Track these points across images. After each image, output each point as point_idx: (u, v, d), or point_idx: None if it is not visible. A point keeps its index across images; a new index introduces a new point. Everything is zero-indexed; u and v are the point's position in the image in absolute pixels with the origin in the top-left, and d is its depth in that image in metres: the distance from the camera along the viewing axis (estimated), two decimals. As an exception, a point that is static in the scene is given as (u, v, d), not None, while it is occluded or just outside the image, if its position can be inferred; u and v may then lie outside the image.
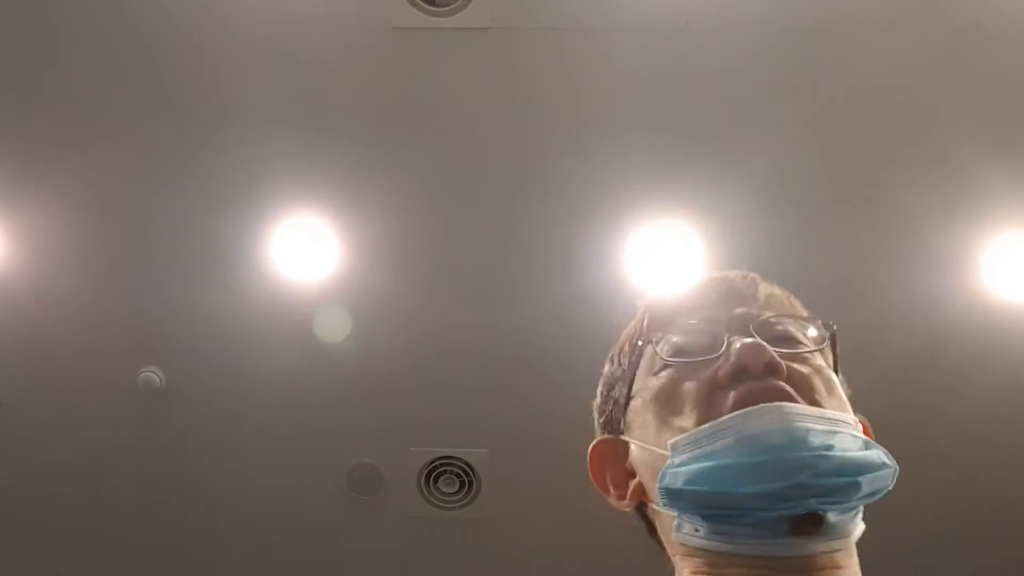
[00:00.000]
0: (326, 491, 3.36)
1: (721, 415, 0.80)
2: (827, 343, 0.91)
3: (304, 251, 2.92)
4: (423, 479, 3.35)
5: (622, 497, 0.90)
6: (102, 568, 3.57)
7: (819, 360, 0.89)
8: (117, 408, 3.23)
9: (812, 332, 0.91)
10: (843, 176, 2.79)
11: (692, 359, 0.86)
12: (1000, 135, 2.70)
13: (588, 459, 0.94)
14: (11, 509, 3.49)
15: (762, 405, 0.78)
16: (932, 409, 3.04)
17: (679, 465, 0.80)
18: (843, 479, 0.76)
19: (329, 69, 2.72)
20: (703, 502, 0.78)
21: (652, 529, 0.90)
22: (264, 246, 2.93)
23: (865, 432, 0.88)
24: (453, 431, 3.24)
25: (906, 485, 3.13)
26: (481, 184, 2.86)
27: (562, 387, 3.15)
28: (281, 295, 2.99)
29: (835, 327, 0.92)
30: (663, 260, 2.86)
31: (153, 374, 3.17)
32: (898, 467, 0.81)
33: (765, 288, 0.95)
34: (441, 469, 3.33)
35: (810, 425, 0.77)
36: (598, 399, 0.98)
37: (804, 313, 0.95)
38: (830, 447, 0.77)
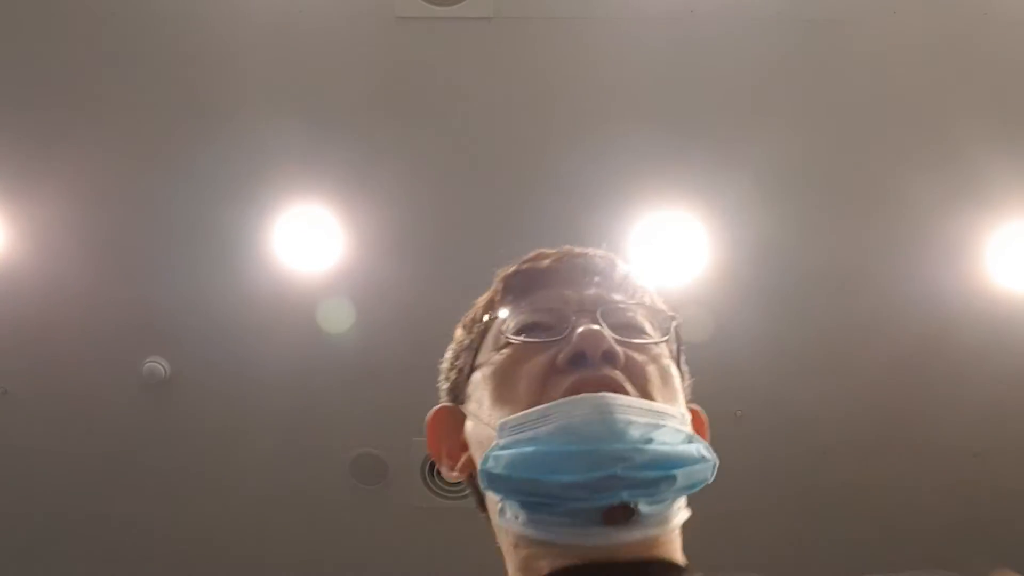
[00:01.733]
0: (330, 480, 3.36)
1: (552, 400, 0.81)
2: (670, 334, 0.90)
3: (308, 241, 2.92)
4: (426, 469, 3.35)
5: (452, 468, 0.91)
6: (107, 557, 3.58)
7: (659, 349, 0.88)
8: (121, 398, 3.23)
9: (660, 320, 0.91)
10: (848, 166, 2.78)
11: (534, 339, 0.87)
12: (1005, 126, 2.69)
13: (426, 424, 0.95)
14: (15, 499, 3.49)
15: (585, 395, 0.79)
16: (936, 398, 3.04)
17: (502, 448, 0.80)
18: (657, 472, 0.77)
19: (333, 59, 2.71)
20: (520, 488, 0.79)
21: (481, 503, 0.91)
22: (268, 236, 2.93)
23: (696, 423, 0.89)
24: (457, 421, 3.24)
25: (908, 478, 3.13)
26: (485, 173, 2.86)
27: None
28: (285, 285, 2.99)
29: (678, 319, 0.91)
30: (668, 249, 2.86)
31: (157, 364, 3.17)
32: (717, 460, 0.81)
33: (622, 268, 0.95)
34: (445, 459, 3.33)
35: (632, 417, 0.78)
36: (445, 363, 0.99)
37: (656, 299, 0.94)
38: (648, 440, 0.77)
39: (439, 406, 0.96)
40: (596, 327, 0.84)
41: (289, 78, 2.74)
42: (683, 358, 0.92)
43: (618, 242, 2.88)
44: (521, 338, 0.87)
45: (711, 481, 0.81)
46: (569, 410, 0.79)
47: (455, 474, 0.91)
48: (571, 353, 0.82)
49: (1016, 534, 3.29)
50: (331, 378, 3.15)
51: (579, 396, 0.79)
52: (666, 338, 0.90)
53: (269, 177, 2.86)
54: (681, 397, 0.88)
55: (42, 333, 3.14)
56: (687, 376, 0.92)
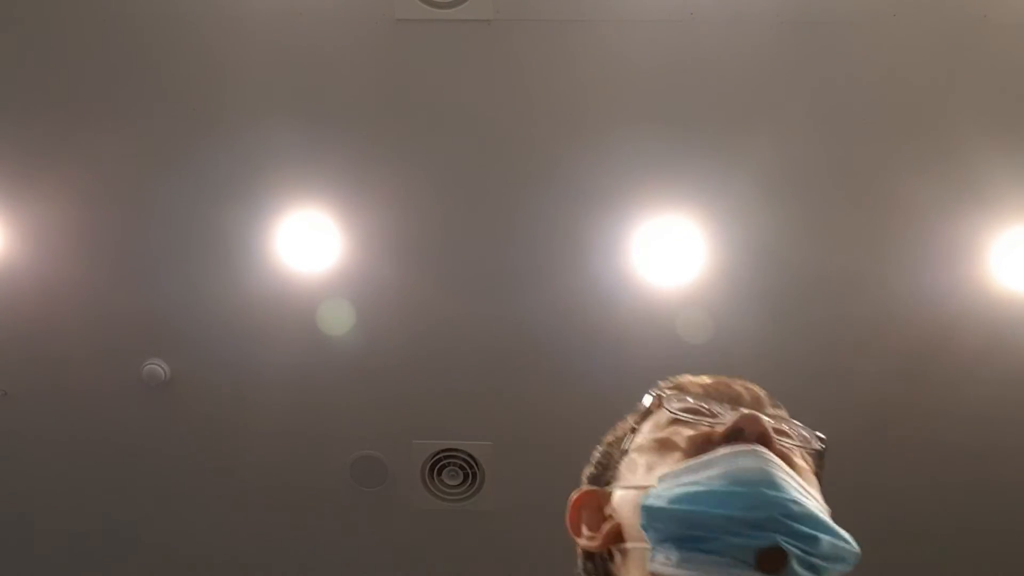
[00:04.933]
0: (330, 483, 3.36)
1: None
2: (817, 454, 0.96)
3: (308, 243, 2.92)
4: (427, 471, 3.35)
5: (593, 538, 0.93)
6: (105, 559, 3.58)
7: (806, 462, 0.93)
8: (122, 400, 3.23)
9: (810, 440, 0.96)
10: (849, 168, 2.78)
11: (696, 418, 0.92)
12: (1006, 128, 2.69)
13: (568, 506, 0.98)
14: (14, 500, 3.49)
15: (749, 447, 0.84)
16: (938, 401, 3.04)
17: (663, 490, 0.84)
18: (809, 529, 0.80)
19: (333, 62, 2.71)
20: (680, 518, 0.81)
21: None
22: (267, 238, 2.93)
23: None
24: (457, 424, 3.24)
25: (911, 477, 3.13)
26: (484, 176, 2.86)
27: (566, 380, 3.16)
28: (285, 287, 2.99)
29: (825, 446, 0.97)
30: (668, 252, 2.86)
31: (157, 366, 3.17)
32: (860, 553, 0.84)
33: (763, 394, 1.00)
34: (445, 461, 3.33)
35: (788, 479, 0.83)
36: (592, 462, 1.02)
37: (803, 428, 0.99)
38: (802, 501, 0.82)
39: (584, 488, 0.99)
40: (755, 411, 0.88)
41: (288, 80, 2.74)
42: (822, 478, 0.95)
43: (618, 243, 2.88)
44: (684, 415, 0.92)
45: (848, 572, 0.84)
46: (732, 459, 0.84)
47: (595, 543, 0.93)
48: (730, 428, 0.87)
49: (1017, 535, 3.29)
50: (331, 380, 3.15)
51: (742, 447, 0.84)
52: (815, 447, 0.95)
53: (268, 179, 2.86)
54: (823, 503, 0.91)
55: (42, 335, 3.14)
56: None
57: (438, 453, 3.32)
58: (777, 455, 0.85)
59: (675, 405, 0.94)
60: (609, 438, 1.01)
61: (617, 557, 0.90)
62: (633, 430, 0.97)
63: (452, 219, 2.92)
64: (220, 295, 3.02)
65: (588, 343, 2.98)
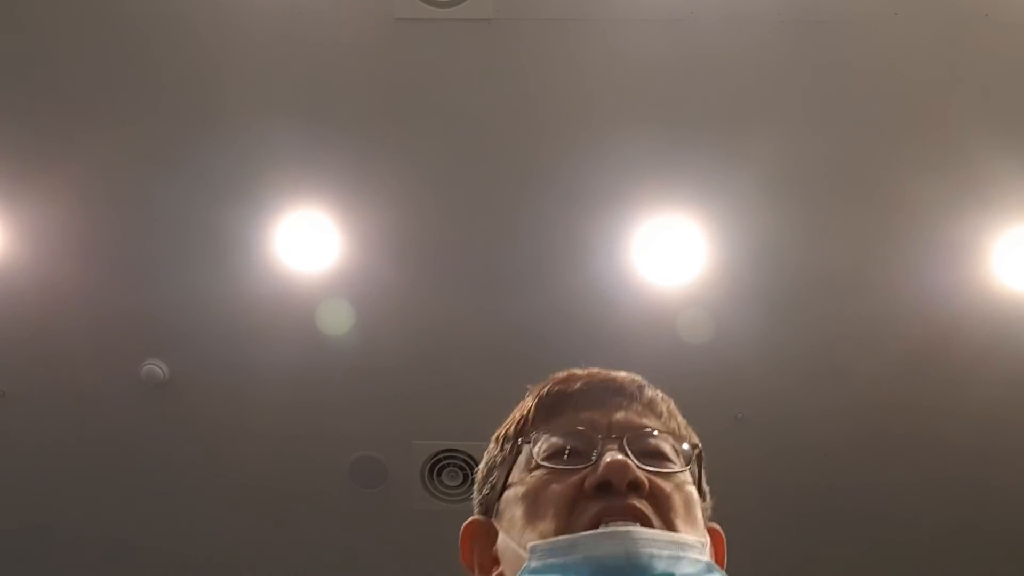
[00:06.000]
0: (329, 484, 3.35)
1: (579, 529, 0.86)
2: (693, 462, 0.95)
3: (307, 244, 2.91)
4: (426, 472, 3.34)
5: None
6: (104, 560, 3.57)
7: (682, 476, 0.93)
8: (120, 400, 3.23)
9: (684, 447, 0.96)
10: (850, 167, 2.78)
11: (563, 466, 0.91)
12: (1008, 127, 2.68)
13: (460, 535, 1.01)
14: (13, 500, 3.49)
15: (612, 528, 0.84)
16: (940, 400, 3.04)
17: (532, 572, 0.85)
18: None
19: (332, 61, 2.71)
20: None
21: None
22: (267, 239, 2.92)
23: (716, 542, 0.95)
24: (456, 424, 3.23)
25: (912, 477, 3.13)
26: (484, 176, 2.85)
27: (566, 380, 3.14)
28: (284, 288, 2.99)
29: (700, 446, 0.97)
30: (669, 251, 2.85)
31: (156, 367, 3.16)
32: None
33: (649, 392, 1.00)
34: (444, 462, 3.32)
35: (654, 551, 0.83)
36: (479, 474, 1.04)
37: (681, 423, 1.00)
38: (670, 574, 0.82)
39: (472, 519, 1.01)
40: (622, 457, 0.89)
41: (288, 79, 2.74)
42: (704, 479, 0.96)
43: (618, 243, 2.87)
44: (551, 464, 0.92)
45: None
46: (596, 543, 0.84)
47: None
48: (598, 481, 0.87)
49: (1017, 535, 3.29)
50: (331, 380, 3.14)
51: (606, 530, 0.84)
52: (689, 467, 0.94)
53: (268, 178, 2.86)
54: (701, 523, 0.92)
55: (41, 335, 3.13)
56: (708, 496, 0.97)
57: (438, 454, 3.31)
58: (649, 500, 0.87)
59: (542, 451, 0.94)
60: (488, 459, 1.03)
61: None
62: (505, 459, 0.98)
63: (452, 219, 2.91)
64: (219, 295, 3.02)
65: (588, 343, 2.97)
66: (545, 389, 1.03)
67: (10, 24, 2.69)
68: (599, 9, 2.60)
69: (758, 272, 2.90)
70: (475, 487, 1.04)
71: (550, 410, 0.99)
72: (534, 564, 0.85)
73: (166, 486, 3.39)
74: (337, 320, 3.03)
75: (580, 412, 0.96)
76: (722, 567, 0.95)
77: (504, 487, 0.97)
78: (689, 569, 0.83)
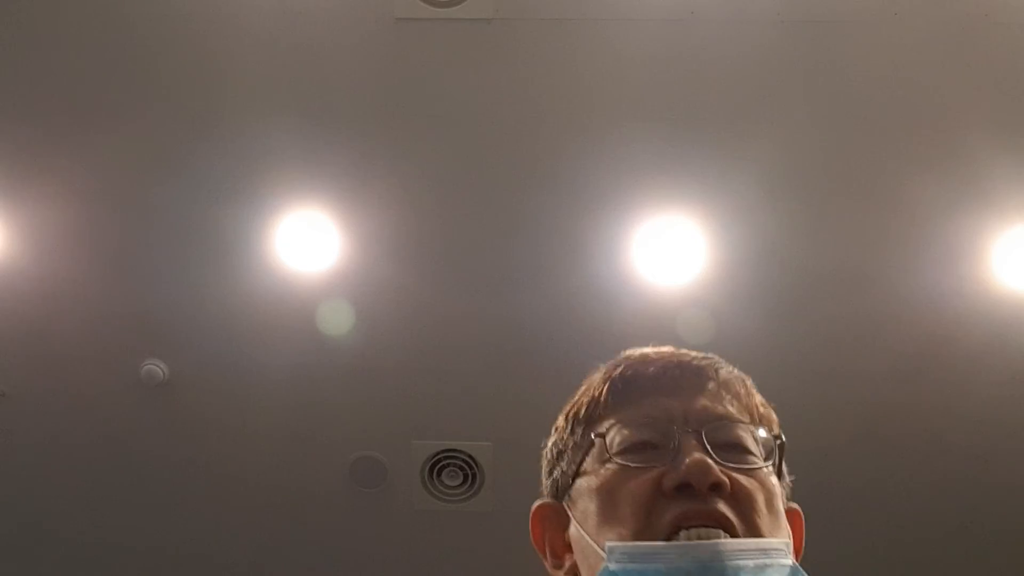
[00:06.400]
0: (329, 484, 3.35)
1: (659, 532, 0.83)
2: (775, 452, 0.93)
3: (307, 243, 2.91)
4: (426, 472, 3.34)
5: (558, 567, 0.93)
6: (103, 561, 3.57)
7: (764, 471, 0.90)
8: (120, 401, 3.23)
9: (762, 434, 0.93)
10: (850, 167, 2.78)
11: (639, 464, 0.88)
12: (1008, 127, 2.68)
13: (531, 517, 0.97)
14: (12, 501, 3.49)
15: (697, 542, 0.82)
16: (940, 400, 3.03)
17: (612, 574, 0.83)
18: None
19: (332, 61, 2.71)
20: None
21: None
22: (267, 238, 2.92)
23: (796, 529, 0.93)
24: (456, 424, 3.23)
25: (913, 477, 3.13)
26: (485, 176, 2.85)
27: (566, 379, 3.14)
28: (284, 288, 2.98)
29: (783, 438, 0.94)
30: (669, 251, 2.85)
31: (156, 367, 3.16)
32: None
33: (724, 373, 0.97)
34: (445, 462, 3.32)
35: (739, 562, 0.81)
36: (548, 455, 1.01)
37: (759, 402, 0.97)
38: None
39: (544, 501, 0.98)
40: (701, 455, 0.85)
41: (287, 80, 2.74)
42: (784, 466, 0.94)
43: (618, 243, 2.87)
44: (625, 460, 0.89)
45: None
46: (680, 554, 0.81)
47: (560, 573, 0.94)
48: (678, 483, 0.84)
49: (1017, 535, 3.28)
50: (331, 381, 3.14)
51: (690, 544, 0.82)
52: (770, 462, 0.92)
53: (268, 179, 2.86)
54: (784, 517, 0.90)
55: (40, 335, 3.13)
56: (786, 477, 0.95)
57: (438, 454, 3.31)
58: (731, 500, 0.84)
59: (616, 444, 0.90)
60: (558, 439, 0.99)
61: None
62: (577, 444, 0.95)
63: (452, 218, 2.91)
64: (219, 295, 3.02)
65: (588, 343, 2.97)
66: (618, 371, 0.97)
67: (10, 24, 2.69)
68: (599, 9, 2.60)
69: (758, 272, 2.90)
70: (544, 468, 1.01)
71: (623, 395, 0.94)
72: (613, 567, 0.82)
73: (166, 486, 3.39)
74: (337, 320, 3.03)
75: (655, 398, 0.92)
76: (800, 548, 0.93)
77: (577, 474, 0.93)
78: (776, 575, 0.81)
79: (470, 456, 3.29)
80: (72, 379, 3.20)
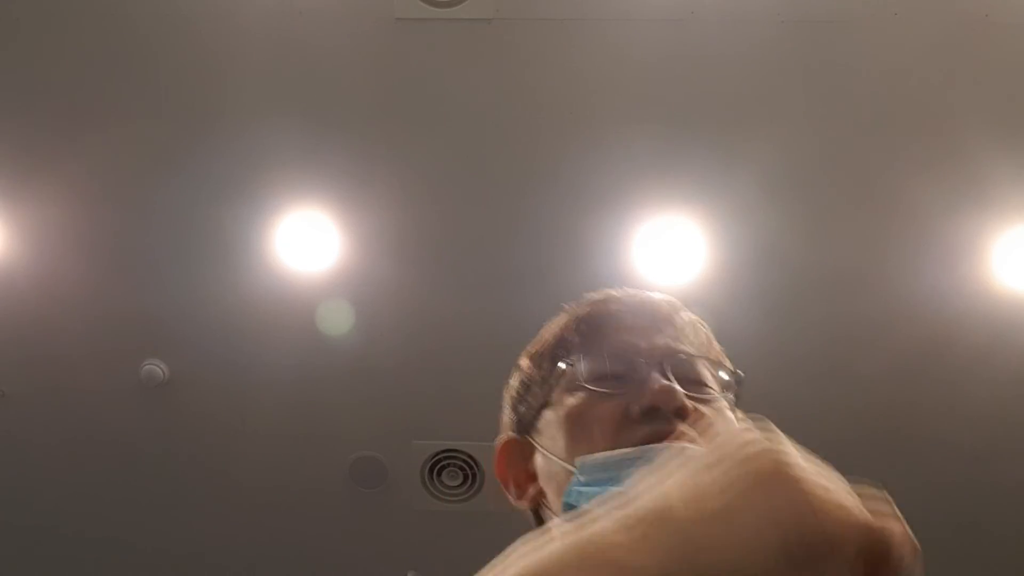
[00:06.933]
0: (329, 484, 3.35)
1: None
2: (732, 388, 0.97)
3: (307, 243, 2.91)
4: (426, 472, 3.34)
5: (521, 497, 0.96)
6: (104, 561, 3.57)
7: (721, 403, 0.94)
8: (120, 400, 3.23)
9: (721, 374, 0.97)
10: (850, 167, 2.78)
11: (607, 390, 0.91)
12: (1008, 127, 2.68)
13: (496, 452, 1.00)
14: (12, 501, 3.49)
15: (668, 443, 0.84)
16: (940, 400, 3.03)
17: (584, 484, 0.85)
18: None
19: (332, 61, 2.70)
20: None
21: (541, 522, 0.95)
22: (267, 238, 2.92)
23: None
24: (456, 424, 3.23)
25: (912, 477, 3.12)
26: (485, 176, 2.85)
27: (566, 380, 3.15)
28: (284, 288, 2.98)
29: (742, 374, 0.98)
30: (669, 251, 2.85)
31: (156, 367, 3.16)
32: None
33: (685, 315, 1.01)
34: (445, 462, 3.32)
35: None
36: (513, 392, 1.03)
37: (717, 348, 1.02)
38: None
39: (509, 437, 1.01)
40: (668, 383, 0.89)
41: (288, 80, 2.74)
42: (738, 403, 0.97)
43: (618, 243, 2.87)
44: (594, 386, 0.92)
45: None
46: (651, 456, 0.83)
47: (523, 503, 0.96)
48: (646, 406, 0.88)
49: (1017, 535, 3.28)
50: (330, 381, 3.14)
51: (661, 444, 0.84)
52: (726, 393, 0.95)
53: (268, 179, 2.85)
54: None
55: (40, 335, 3.13)
56: (744, 419, 0.98)
57: (438, 454, 3.31)
58: (693, 426, 0.86)
59: (584, 372, 0.93)
60: (523, 377, 1.02)
61: (547, 515, 0.93)
62: (545, 379, 0.97)
63: (452, 218, 2.91)
64: (219, 295, 3.02)
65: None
66: (583, 310, 1.01)
67: (10, 24, 2.69)
68: (599, 9, 2.60)
69: (758, 272, 2.90)
70: (507, 405, 1.03)
71: (588, 332, 0.97)
72: (584, 478, 0.85)
73: (166, 486, 3.39)
74: (337, 320, 3.03)
75: (620, 335, 0.96)
76: None
77: (544, 406, 0.96)
78: None
79: (470, 456, 3.29)
80: (72, 379, 3.20)
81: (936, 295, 2.87)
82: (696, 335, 0.99)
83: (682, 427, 0.86)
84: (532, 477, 0.95)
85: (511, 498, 0.98)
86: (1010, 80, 2.64)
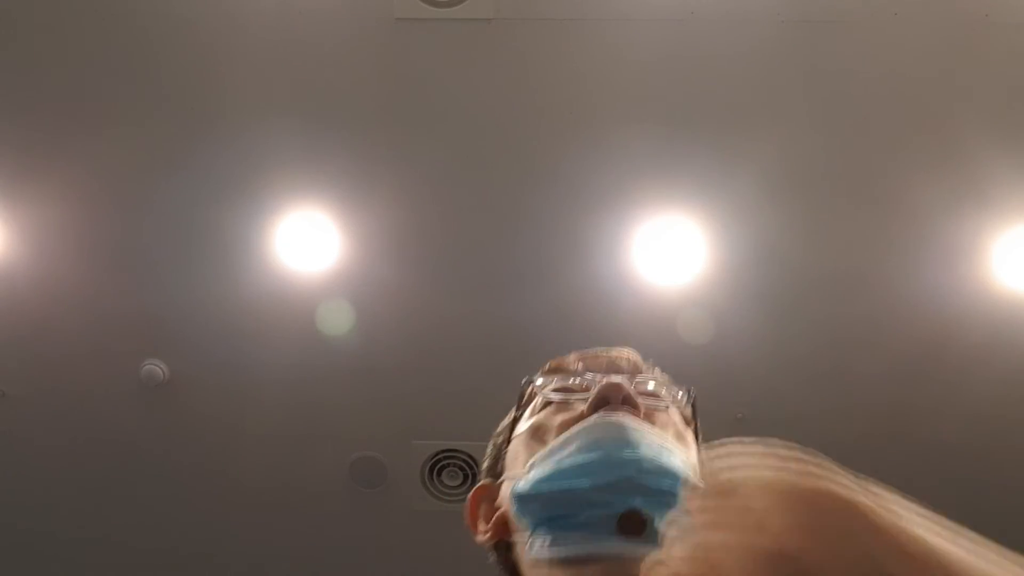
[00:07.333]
0: (329, 484, 3.35)
1: None
2: (688, 405, 0.97)
3: (307, 243, 2.91)
4: (426, 472, 3.34)
5: (486, 532, 0.96)
6: (104, 561, 3.57)
7: (674, 416, 0.94)
8: (120, 401, 3.23)
9: (680, 396, 0.98)
10: (850, 167, 2.78)
11: (564, 398, 0.94)
12: (1008, 128, 2.68)
13: (467, 502, 1.01)
14: (12, 501, 3.49)
15: (606, 416, 0.86)
16: (940, 400, 3.03)
17: (531, 475, 0.86)
18: (667, 480, 0.80)
19: (333, 61, 2.70)
20: (544, 500, 0.83)
21: (510, 569, 0.94)
22: (267, 239, 2.92)
23: None
24: (456, 424, 3.23)
25: (912, 477, 3.13)
26: (485, 176, 2.85)
27: (566, 380, 3.15)
28: (284, 288, 2.98)
29: (695, 395, 0.99)
30: (669, 251, 2.85)
31: (156, 367, 3.16)
32: None
33: (644, 364, 1.02)
34: (444, 462, 3.32)
35: (645, 438, 0.83)
36: (487, 454, 1.05)
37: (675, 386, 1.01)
38: (659, 455, 0.82)
39: (477, 485, 1.02)
40: (616, 379, 0.91)
41: (287, 80, 2.74)
42: (699, 427, 0.97)
43: (618, 243, 2.87)
44: (552, 395, 0.95)
45: None
46: (589, 430, 0.85)
47: (486, 536, 0.96)
48: (595, 400, 0.89)
49: (1017, 535, 3.28)
50: (330, 381, 3.14)
51: (598, 417, 0.86)
52: (681, 403, 0.96)
53: (268, 179, 2.85)
54: (693, 455, 0.92)
55: (40, 335, 3.13)
56: (701, 447, 0.97)
57: (438, 454, 3.31)
58: (643, 417, 0.88)
59: (546, 388, 0.96)
60: (498, 428, 1.04)
61: (515, 548, 0.91)
62: (516, 419, 0.99)
63: (452, 219, 2.91)
64: (219, 295, 3.02)
65: (588, 343, 2.96)
66: (545, 366, 1.04)
67: (9, 24, 2.69)
68: (599, 9, 2.60)
69: (758, 272, 2.90)
70: (484, 463, 1.05)
71: (552, 372, 1.00)
72: (532, 472, 0.86)
73: (166, 486, 3.39)
74: (337, 320, 3.03)
75: (578, 361, 0.99)
76: None
77: (509, 441, 0.98)
78: (678, 461, 0.83)
79: (470, 456, 3.29)
80: (72, 379, 3.20)
81: (936, 295, 2.87)
82: (651, 367, 1.00)
83: (630, 410, 0.87)
84: (494, 510, 0.95)
85: (478, 537, 0.97)
86: (1010, 80, 2.64)
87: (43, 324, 3.11)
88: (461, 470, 3.32)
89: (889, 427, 3.10)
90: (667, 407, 0.94)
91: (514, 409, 1.01)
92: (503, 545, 0.93)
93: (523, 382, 1.01)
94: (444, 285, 2.99)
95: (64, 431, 3.31)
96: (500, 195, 2.86)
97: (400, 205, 2.89)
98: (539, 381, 0.98)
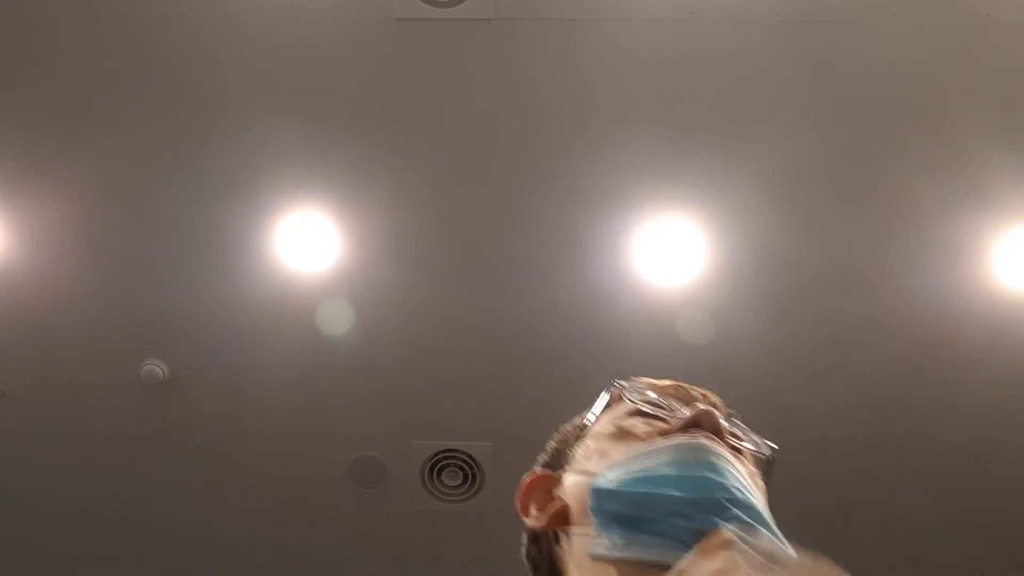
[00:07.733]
0: (329, 484, 3.35)
1: None
2: (766, 464, 0.97)
3: (307, 243, 2.91)
4: (426, 472, 3.34)
5: (539, 518, 0.95)
6: (104, 561, 3.57)
7: (751, 467, 0.95)
8: (120, 401, 3.23)
9: (762, 447, 0.99)
10: (850, 167, 2.78)
11: (653, 413, 0.94)
12: (1008, 128, 2.68)
13: (520, 487, 1.00)
14: (12, 501, 3.49)
15: (701, 436, 0.87)
16: (940, 400, 3.03)
17: (614, 474, 0.86)
18: (750, 516, 0.81)
19: (333, 61, 2.71)
20: (628, 499, 0.83)
21: (548, 560, 0.95)
22: (267, 238, 2.92)
23: None
24: (456, 424, 3.23)
25: (912, 477, 3.12)
26: (485, 176, 2.85)
27: (566, 379, 3.15)
28: (284, 288, 2.98)
29: (774, 455, 0.99)
30: (668, 252, 2.85)
31: (156, 367, 3.16)
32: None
33: (727, 408, 1.02)
34: (445, 462, 3.32)
35: (733, 470, 0.85)
36: (547, 449, 1.05)
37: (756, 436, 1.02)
38: (745, 491, 0.83)
39: (536, 472, 1.01)
40: (710, 407, 0.92)
41: (288, 80, 2.74)
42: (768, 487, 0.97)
43: (618, 243, 2.87)
44: (645, 406, 0.95)
45: None
46: (679, 448, 0.86)
47: (541, 519, 0.95)
48: (687, 421, 0.89)
49: (1017, 535, 3.28)
50: (330, 381, 3.14)
51: (689, 437, 0.87)
52: (766, 455, 0.97)
53: (267, 179, 2.86)
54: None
55: (40, 335, 3.13)
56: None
57: (438, 454, 3.31)
58: (728, 450, 0.88)
59: (636, 397, 0.96)
60: (567, 427, 1.04)
61: (563, 539, 0.92)
62: (590, 420, 0.99)
63: (452, 219, 2.91)
64: (219, 295, 3.02)
65: (588, 343, 2.97)
66: (633, 378, 1.05)
67: (9, 23, 2.69)
68: (599, 9, 2.60)
69: (758, 272, 2.90)
70: (546, 450, 1.04)
71: (641, 386, 1.01)
72: (611, 473, 0.86)
73: (166, 486, 3.39)
74: (337, 320, 3.03)
75: (672, 392, 0.99)
76: None
77: (579, 437, 0.98)
78: (756, 503, 0.83)
79: (470, 456, 3.29)
80: (72, 379, 3.20)
81: (936, 295, 2.87)
82: (735, 415, 1.01)
83: (717, 440, 0.88)
84: (554, 499, 0.95)
85: (529, 521, 0.97)
86: (1010, 80, 2.64)
87: (43, 324, 3.11)
88: (461, 470, 3.32)
89: (889, 427, 3.10)
90: (751, 454, 0.95)
91: (590, 411, 1.01)
92: (551, 535, 0.94)
93: (610, 384, 1.02)
94: (444, 285, 2.99)
95: (64, 431, 3.31)
96: (500, 195, 2.86)
97: (400, 205, 2.89)
98: (629, 388, 0.99)
